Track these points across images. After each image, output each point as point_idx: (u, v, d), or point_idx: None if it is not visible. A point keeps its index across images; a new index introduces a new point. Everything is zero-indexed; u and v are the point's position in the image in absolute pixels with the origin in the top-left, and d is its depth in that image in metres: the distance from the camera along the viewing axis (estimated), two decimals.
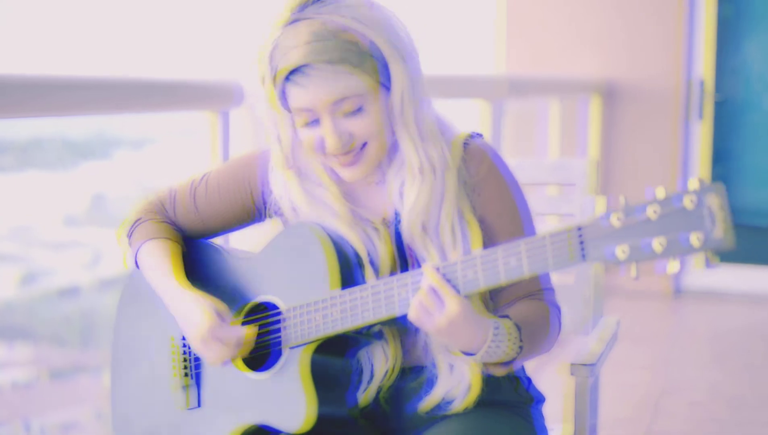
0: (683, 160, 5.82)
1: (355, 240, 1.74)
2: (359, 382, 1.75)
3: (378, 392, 1.76)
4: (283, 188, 1.79)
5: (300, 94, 1.66)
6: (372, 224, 1.76)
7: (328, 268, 1.69)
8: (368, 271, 1.72)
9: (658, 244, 1.45)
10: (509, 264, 1.55)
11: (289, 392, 1.69)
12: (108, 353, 1.96)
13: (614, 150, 5.86)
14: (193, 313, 1.74)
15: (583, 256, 1.50)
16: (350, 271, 1.71)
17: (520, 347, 1.64)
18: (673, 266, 1.46)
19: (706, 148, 5.82)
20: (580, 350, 2.09)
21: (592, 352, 2.07)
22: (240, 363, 1.76)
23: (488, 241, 1.73)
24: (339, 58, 1.64)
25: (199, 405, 1.80)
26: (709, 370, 4.37)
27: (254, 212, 1.85)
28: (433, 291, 1.59)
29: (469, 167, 1.75)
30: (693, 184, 1.44)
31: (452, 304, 1.57)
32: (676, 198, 1.44)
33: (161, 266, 1.81)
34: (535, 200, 2.11)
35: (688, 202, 1.43)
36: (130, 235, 1.87)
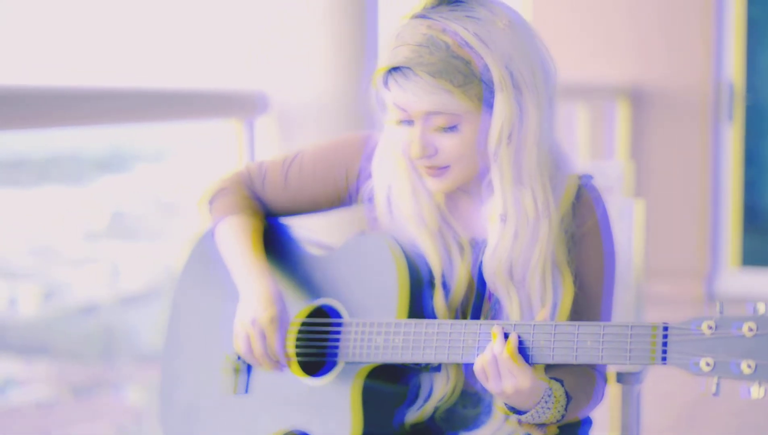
0: (714, 163, 5.78)
1: (433, 256, 1.68)
2: (415, 399, 1.71)
3: (434, 411, 1.72)
4: (388, 175, 1.71)
5: (397, 93, 1.60)
6: (458, 240, 1.70)
7: (399, 294, 1.65)
8: (438, 294, 1.68)
9: (748, 365, 1.39)
10: (586, 345, 1.50)
11: (338, 408, 1.66)
12: (161, 338, 1.92)
13: (643, 154, 5.82)
14: (257, 296, 1.69)
15: (664, 359, 1.45)
16: (420, 294, 1.67)
17: (562, 416, 1.61)
18: (757, 392, 1.40)
19: (738, 151, 5.78)
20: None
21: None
22: (295, 364, 1.73)
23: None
24: (441, 72, 1.56)
25: (246, 392, 1.77)
26: None
27: (345, 196, 1.79)
28: (503, 361, 1.54)
29: (576, 217, 1.68)
30: None
31: (523, 379, 1.53)
32: None
33: (240, 241, 1.76)
34: None
35: None
36: (211, 203, 1.83)
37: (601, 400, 1.73)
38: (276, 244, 1.84)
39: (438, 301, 1.67)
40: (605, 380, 1.74)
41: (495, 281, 1.66)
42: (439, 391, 1.70)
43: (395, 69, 1.59)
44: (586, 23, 5.80)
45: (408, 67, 1.57)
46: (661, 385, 4.21)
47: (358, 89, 2.79)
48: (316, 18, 2.98)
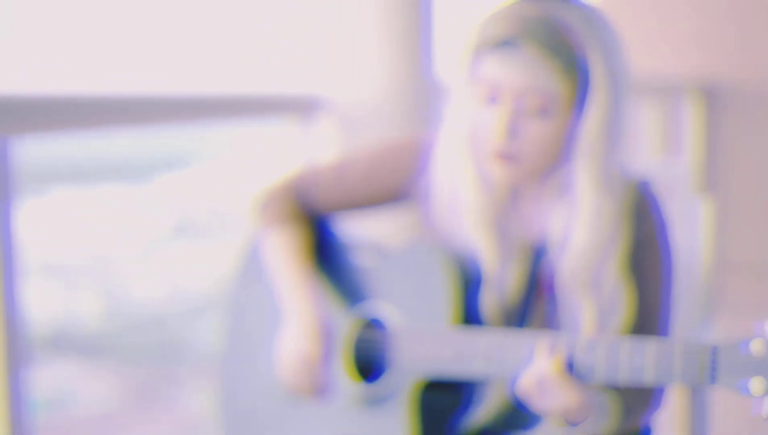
0: None
1: (490, 255, 1.66)
2: (469, 405, 1.70)
3: (494, 418, 1.72)
4: (452, 165, 1.68)
5: (495, 67, 1.57)
6: (517, 240, 1.67)
7: (448, 302, 1.64)
8: (489, 298, 1.66)
9: None
10: (634, 363, 1.48)
11: (391, 418, 1.67)
12: (222, 323, 1.93)
13: (719, 155, 5.75)
14: (303, 328, 1.69)
15: (713, 379, 1.42)
16: (472, 301, 1.66)
17: (620, 425, 1.61)
18: None
19: None
20: None
21: None
22: (352, 368, 1.73)
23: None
24: (549, 49, 1.55)
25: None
26: None
27: (399, 194, 1.78)
28: (549, 380, 1.51)
29: (634, 226, 1.65)
30: None
31: (572, 398, 1.50)
32: None
33: (288, 257, 1.78)
34: None
35: None
36: (261, 212, 1.82)
37: (660, 406, 1.69)
38: (326, 253, 1.84)
39: (489, 304, 1.65)
40: (663, 390, 1.70)
41: (571, 286, 1.63)
42: (494, 397, 1.69)
43: (501, 44, 1.56)
44: (659, 14, 5.74)
45: (515, 41, 1.55)
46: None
47: (414, 86, 2.79)
48: (371, 16, 3.00)
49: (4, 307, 1.75)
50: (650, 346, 1.46)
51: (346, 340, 1.73)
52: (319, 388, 1.70)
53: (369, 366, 1.72)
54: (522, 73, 1.55)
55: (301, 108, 3.01)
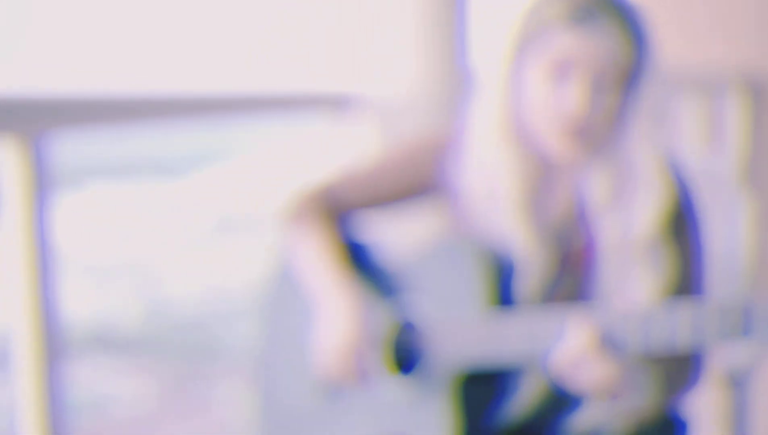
0: None
1: (526, 235, 1.67)
2: (512, 394, 1.71)
3: (536, 408, 1.71)
4: (491, 149, 1.69)
5: (569, 40, 1.58)
6: (548, 223, 1.69)
7: (481, 290, 1.65)
8: (525, 281, 1.67)
9: None
10: (669, 328, 1.48)
11: (432, 411, 1.68)
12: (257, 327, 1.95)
13: (764, 150, 5.70)
14: (343, 316, 1.71)
15: (747, 331, 1.43)
16: (504, 295, 1.67)
17: (658, 399, 1.61)
18: None
19: None
20: (732, 356, 2.04)
21: (747, 357, 2.03)
22: (391, 361, 1.75)
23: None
24: (623, 20, 1.57)
25: (345, 403, 1.80)
26: None
27: (423, 197, 1.81)
28: (584, 354, 1.52)
29: (673, 193, 1.68)
30: None
31: (609, 372, 1.51)
32: None
33: (321, 256, 1.79)
34: None
35: None
36: (294, 216, 1.85)
37: (700, 380, 1.70)
38: (359, 254, 1.86)
39: (525, 289, 1.66)
40: (702, 364, 1.71)
41: (625, 254, 1.64)
42: (533, 384, 1.70)
43: (576, 17, 1.57)
44: (701, 7, 5.71)
45: (592, 12, 1.56)
46: None
47: (450, 78, 2.81)
48: (404, 8, 3.02)
49: (43, 307, 1.77)
50: (684, 308, 1.46)
51: (384, 335, 1.75)
52: (361, 375, 1.70)
53: (407, 360, 1.74)
54: (600, 48, 1.56)
55: (338, 104, 3.04)
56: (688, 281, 1.67)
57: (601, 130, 1.60)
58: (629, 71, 1.58)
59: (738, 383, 1.98)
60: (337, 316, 1.72)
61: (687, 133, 5.55)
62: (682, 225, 1.67)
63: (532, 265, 1.67)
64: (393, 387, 1.73)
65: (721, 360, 2.19)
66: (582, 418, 1.69)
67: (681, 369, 1.66)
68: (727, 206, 2.16)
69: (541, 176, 1.69)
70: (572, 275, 1.68)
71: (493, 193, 1.69)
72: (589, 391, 1.55)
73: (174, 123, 2.77)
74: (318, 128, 3.08)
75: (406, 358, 1.75)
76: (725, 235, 2.15)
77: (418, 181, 1.80)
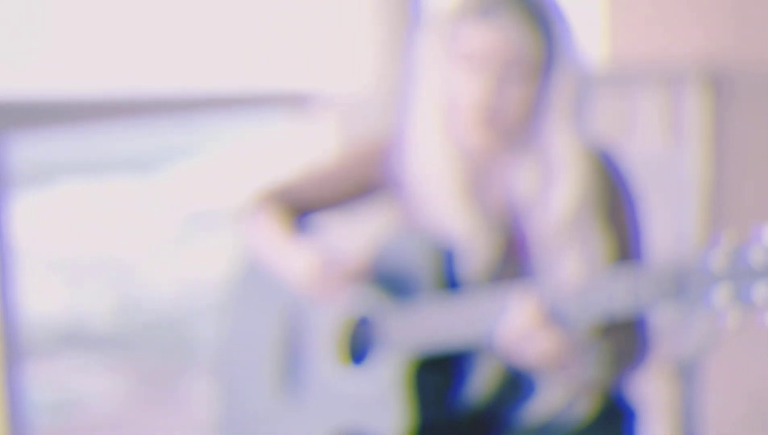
0: None
1: (468, 220, 1.75)
2: (466, 381, 1.78)
3: (491, 395, 1.78)
4: (427, 140, 1.78)
5: (477, 35, 1.65)
6: (489, 212, 1.76)
7: (430, 279, 1.73)
8: (468, 267, 1.73)
9: (762, 292, 1.42)
10: (614, 294, 1.54)
11: (387, 398, 1.74)
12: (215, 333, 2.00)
13: (726, 143, 5.78)
14: (299, 254, 1.79)
15: (681, 296, 1.49)
16: (453, 282, 1.75)
17: (608, 373, 1.68)
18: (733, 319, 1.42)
19: None
20: (678, 347, 2.09)
21: (693, 348, 2.07)
22: (344, 354, 1.81)
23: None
24: (529, 15, 1.64)
25: (299, 399, 1.88)
26: None
27: (370, 198, 1.91)
28: (529, 327, 1.58)
29: (603, 188, 1.77)
30: None
31: (555, 343, 1.58)
32: None
33: (271, 232, 1.87)
34: None
35: None
36: (251, 214, 1.94)
37: (648, 358, 1.77)
38: None
39: (469, 273, 1.72)
40: (651, 339, 1.78)
41: (552, 242, 1.72)
42: (489, 371, 1.77)
43: (482, 11, 1.65)
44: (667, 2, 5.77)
45: (497, 8, 1.64)
46: (735, 377, 4.20)
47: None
48: (363, 9, 3.06)
49: (1, 306, 1.81)
50: (620, 277, 1.54)
51: (336, 330, 1.80)
52: (338, 287, 1.73)
53: (362, 352, 1.79)
54: (505, 40, 1.64)
55: (299, 102, 3.08)
56: (625, 262, 1.73)
57: (515, 121, 1.67)
58: (540, 63, 1.63)
59: (687, 374, 2.04)
60: (306, 253, 1.76)
61: (647, 125, 5.62)
62: (617, 209, 1.75)
63: (474, 252, 1.73)
64: (349, 379, 1.78)
65: (669, 350, 2.25)
66: (538, 405, 1.74)
67: (629, 343, 1.74)
68: (680, 196, 2.22)
69: (475, 168, 1.75)
70: (513, 262, 1.74)
71: (433, 185, 1.75)
72: (537, 365, 1.60)
73: (142, 121, 2.80)
74: (280, 125, 3.12)
75: (361, 350, 1.81)
76: (678, 228, 2.22)
77: (367, 179, 1.86)
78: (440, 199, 1.76)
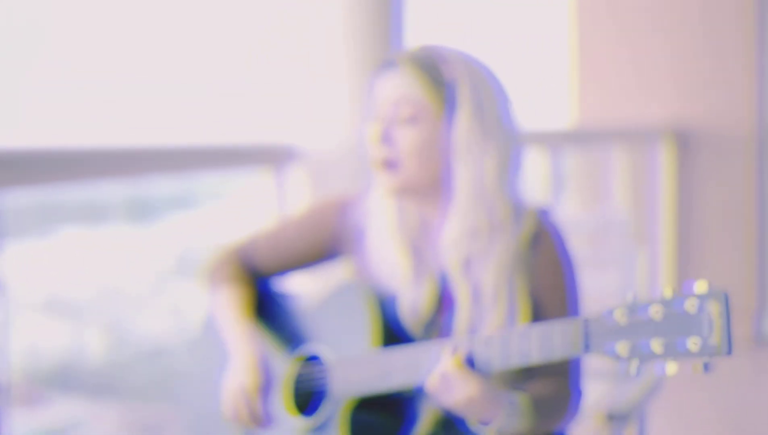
0: (760, 203, 5.85)
1: (406, 270, 1.89)
2: (407, 426, 1.89)
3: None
4: (375, 216, 1.93)
5: (380, 86, 1.85)
6: (428, 260, 1.90)
7: (369, 328, 1.85)
8: (406, 313, 1.88)
9: (657, 344, 1.52)
10: (522, 347, 1.67)
11: None
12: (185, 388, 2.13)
13: (689, 197, 5.92)
14: (244, 364, 1.92)
15: (587, 348, 1.60)
16: (391, 330, 1.87)
17: (535, 424, 1.76)
18: (672, 368, 1.54)
19: None
20: (617, 398, 2.20)
21: (629, 400, 2.19)
22: (291, 406, 1.94)
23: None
24: (418, 66, 1.81)
25: None
26: None
27: (328, 255, 2.03)
28: (450, 374, 1.71)
29: (535, 250, 1.86)
30: (700, 287, 1.51)
31: (472, 388, 1.70)
32: (679, 301, 1.51)
33: (231, 312, 2.00)
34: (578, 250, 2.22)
35: (690, 306, 1.50)
36: (210, 275, 2.07)
37: (576, 413, 1.87)
38: (269, 307, 2.05)
39: (407, 322, 1.87)
40: (580, 393, 1.88)
41: (454, 274, 1.85)
42: (424, 417, 1.88)
43: (388, 64, 1.85)
44: (629, 68, 5.92)
45: (396, 60, 1.84)
46: (686, 423, 4.32)
47: None
48: (339, 67, 3.19)
49: None
50: (534, 329, 1.67)
51: (284, 379, 1.94)
52: (258, 419, 1.90)
53: (310, 400, 1.93)
54: (395, 87, 1.83)
55: (277, 157, 3.19)
56: (555, 314, 1.86)
57: (414, 163, 1.83)
58: (435, 110, 1.81)
59: (617, 424, 2.16)
60: (237, 365, 1.92)
61: (615, 186, 5.75)
62: (545, 279, 1.86)
63: (411, 302, 1.88)
64: (296, 426, 1.92)
65: (601, 400, 2.37)
66: None
67: (556, 395, 1.84)
68: (619, 256, 2.35)
69: (419, 225, 1.91)
70: (449, 314, 1.89)
71: (377, 238, 1.92)
72: (460, 410, 1.73)
73: (124, 178, 2.93)
74: (257, 179, 3.23)
75: (309, 398, 1.94)
76: (619, 285, 2.35)
77: (327, 232, 2.00)
78: (384, 251, 1.91)
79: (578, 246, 1.96)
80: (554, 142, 4.51)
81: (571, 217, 2.42)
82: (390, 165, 1.85)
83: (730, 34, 5.66)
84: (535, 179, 4.34)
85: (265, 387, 1.91)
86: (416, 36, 3.30)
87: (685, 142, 5.81)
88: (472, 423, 1.76)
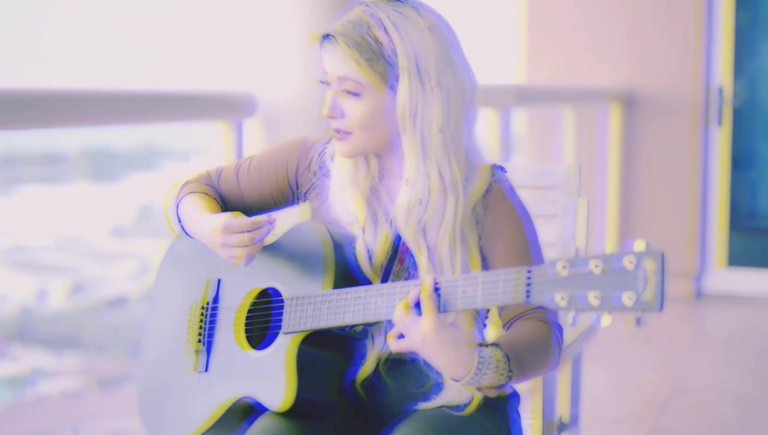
0: (703, 166, 5.90)
1: (361, 217, 1.88)
2: (354, 363, 1.89)
3: (374, 377, 1.90)
4: (340, 171, 1.92)
5: (323, 56, 1.86)
6: (384, 208, 1.90)
7: (324, 268, 1.85)
8: (361, 256, 1.87)
9: (593, 297, 1.55)
10: (466, 293, 1.68)
11: (276, 373, 1.85)
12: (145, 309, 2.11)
13: (634, 157, 5.96)
14: (209, 219, 1.90)
15: (528, 296, 1.61)
16: (346, 272, 1.86)
17: (509, 376, 1.73)
18: (606, 320, 1.56)
19: (725, 154, 5.89)
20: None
21: (577, 337, 2.21)
22: (243, 340, 1.93)
23: None
24: (354, 45, 1.81)
25: (206, 370, 1.97)
26: (721, 371, 4.46)
27: (287, 193, 2.00)
28: (399, 318, 1.71)
29: (487, 206, 1.87)
30: (639, 245, 1.52)
31: (424, 323, 1.69)
32: (618, 257, 1.53)
33: (198, 209, 1.96)
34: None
35: (627, 262, 1.53)
36: (179, 189, 2.02)
37: (561, 348, 1.86)
38: None
39: (362, 265, 1.87)
40: (561, 328, 1.87)
41: (408, 240, 1.86)
42: (370, 354, 1.88)
43: (326, 36, 1.85)
44: (579, 31, 5.93)
45: (333, 36, 1.83)
46: (630, 376, 4.36)
47: None
48: (296, 19, 3.16)
49: None
50: (480, 276, 1.69)
51: (237, 312, 1.93)
52: (251, 236, 1.85)
53: (263, 335, 1.92)
54: (335, 61, 1.85)
55: (235, 109, 3.17)
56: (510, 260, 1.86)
57: (362, 131, 1.85)
58: (375, 83, 1.82)
59: (572, 361, 2.15)
60: (205, 224, 1.90)
61: (564, 144, 5.78)
62: (495, 233, 1.87)
63: (366, 244, 1.88)
64: (248, 356, 1.91)
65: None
66: (434, 401, 1.85)
67: (538, 337, 1.82)
68: (562, 211, 2.34)
69: (378, 173, 1.91)
70: (401, 263, 1.88)
71: (341, 186, 1.92)
72: (418, 353, 1.73)
73: (77, 126, 2.88)
74: (215, 134, 3.21)
75: (259, 333, 1.94)
76: (562, 237, 2.35)
77: (285, 171, 2.00)
78: (342, 196, 1.91)
79: (523, 199, 1.95)
80: (503, 100, 4.50)
81: (518, 169, 2.41)
82: (340, 133, 1.86)
83: None
84: (485, 139, 4.34)
85: (233, 223, 1.86)
86: None
87: (632, 103, 5.85)
88: (446, 380, 1.76)
